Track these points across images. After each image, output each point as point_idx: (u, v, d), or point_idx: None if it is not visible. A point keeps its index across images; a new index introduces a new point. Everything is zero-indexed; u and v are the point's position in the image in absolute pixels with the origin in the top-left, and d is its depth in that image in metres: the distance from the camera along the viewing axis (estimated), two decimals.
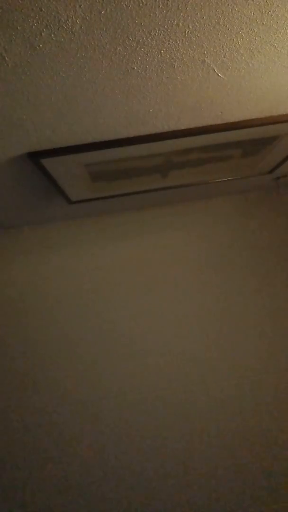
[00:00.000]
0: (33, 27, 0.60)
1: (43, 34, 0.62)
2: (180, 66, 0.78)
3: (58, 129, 0.96)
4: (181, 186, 1.58)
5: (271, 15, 0.66)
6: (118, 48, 0.69)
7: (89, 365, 1.87)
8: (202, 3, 0.61)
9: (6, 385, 1.86)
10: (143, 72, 0.77)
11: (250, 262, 1.93)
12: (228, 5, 0.63)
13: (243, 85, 0.90)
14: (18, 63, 0.68)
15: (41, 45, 0.65)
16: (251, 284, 1.92)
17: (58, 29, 0.62)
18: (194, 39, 0.70)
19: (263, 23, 0.68)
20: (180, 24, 0.65)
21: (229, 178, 1.60)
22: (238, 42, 0.73)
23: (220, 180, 1.59)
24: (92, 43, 0.66)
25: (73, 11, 0.59)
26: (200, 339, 1.88)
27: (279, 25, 0.69)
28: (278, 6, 0.65)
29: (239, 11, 0.64)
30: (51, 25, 0.61)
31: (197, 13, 0.63)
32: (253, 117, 1.08)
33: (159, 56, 0.73)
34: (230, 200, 1.97)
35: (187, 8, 0.62)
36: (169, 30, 0.66)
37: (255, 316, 1.90)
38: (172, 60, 0.75)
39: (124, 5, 0.59)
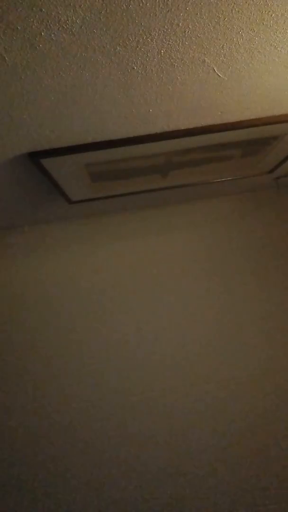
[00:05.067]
0: (33, 27, 0.60)
1: (43, 34, 0.62)
2: (180, 66, 0.78)
3: (58, 129, 0.96)
4: (181, 186, 1.58)
5: (271, 15, 0.66)
6: (118, 48, 0.69)
7: (89, 364, 1.87)
8: (202, 3, 0.61)
9: (6, 385, 1.86)
10: (143, 72, 0.77)
11: (250, 262, 1.93)
12: (228, 5, 0.63)
13: (243, 85, 0.90)
14: (18, 63, 0.68)
15: (41, 45, 0.65)
16: (251, 283, 1.92)
17: (58, 29, 0.62)
18: (194, 39, 0.70)
19: (263, 23, 0.68)
20: (180, 24, 0.65)
21: (229, 178, 1.60)
22: (238, 42, 0.73)
23: (220, 180, 1.59)
24: (92, 43, 0.66)
25: (73, 11, 0.59)
26: (200, 338, 1.88)
27: (279, 25, 0.69)
28: (278, 6, 0.65)
29: (239, 11, 0.64)
30: (51, 25, 0.61)
31: (197, 13, 0.63)
32: (253, 117, 1.08)
33: (159, 56, 0.73)
34: (230, 200, 1.97)
35: (187, 8, 0.62)
36: (169, 30, 0.66)
37: (256, 315, 1.90)
38: (172, 60, 0.75)
39: (124, 5, 0.59)
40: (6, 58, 0.66)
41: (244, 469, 1.78)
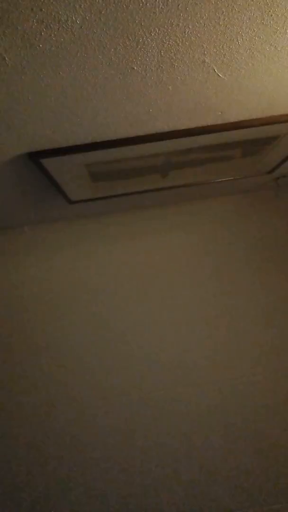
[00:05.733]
0: (33, 27, 0.60)
1: (43, 34, 0.62)
2: (180, 66, 0.78)
3: (58, 129, 0.95)
4: (181, 186, 1.58)
5: (271, 15, 0.66)
6: (118, 48, 0.69)
7: (88, 364, 1.87)
8: (202, 3, 0.61)
9: (5, 385, 1.86)
10: (143, 72, 0.77)
11: (250, 262, 1.93)
12: (228, 5, 0.63)
13: (243, 85, 0.90)
14: (18, 63, 0.68)
15: (41, 45, 0.65)
16: (252, 283, 1.92)
17: (58, 29, 0.62)
18: (194, 39, 0.70)
19: (263, 23, 0.68)
20: (180, 24, 0.65)
21: (229, 178, 1.60)
22: (238, 42, 0.73)
23: (220, 180, 1.59)
24: (92, 43, 0.66)
25: (73, 11, 0.59)
26: (199, 339, 1.88)
27: (279, 25, 0.69)
28: (278, 6, 0.65)
29: (239, 11, 0.64)
30: (51, 25, 0.61)
31: (197, 13, 0.63)
32: (253, 117, 1.08)
33: (159, 56, 0.73)
34: (230, 200, 1.97)
35: (187, 8, 0.62)
36: (169, 30, 0.66)
37: (255, 316, 1.89)
38: (172, 60, 0.75)
39: (124, 5, 0.59)
40: (6, 58, 0.66)
41: (250, 468, 1.78)
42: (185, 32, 0.67)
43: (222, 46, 0.73)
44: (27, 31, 0.61)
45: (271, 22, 0.68)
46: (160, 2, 0.60)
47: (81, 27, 0.62)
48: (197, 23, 0.65)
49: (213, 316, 1.89)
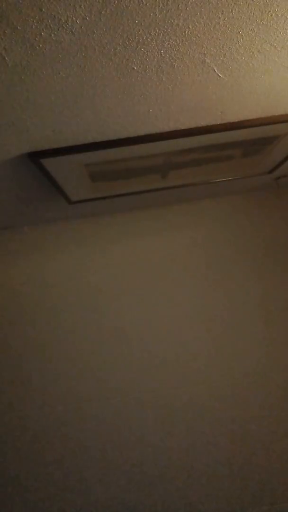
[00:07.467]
0: (33, 27, 0.60)
1: (43, 34, 0.62)
2: (180, 66, 0.78)
3: (58, 129, 0.95)
4: (181, 186, 1.58)
5: (271, 15, 0.66)
6: (118, 48, 0.69)
7: (89, 364, 1.87)
8: (202, 3, 0.61)
9: (6, 384, 1.86)
10: (143, 72, 0.77)
11: (250, 262, 1.93)
12: (228, 5, 0.63)
13: (243, 85, 0.90)
14: (18, 63, 0.68)
15: (41, 45, 0.65)
16: (251, 284, 1.92)
17: (58, 29, 0.62)
18: (194, 39, 0.70)
19: (263, 23, 0.68)
20: (180, 24, 0.65)
21: (229, 178, 1.60)
22: (238, 42, 0.73)
23: (220, 180, 1.59)
24: (92, 43, 0.66)
25: (73, 11, 0.59)
26: (201, 338, 1.88)
27: (279, 25, 0.69)
28: (278, 6, 0.65)
29: (239, 11, 0.64)
30: (51, 25, 0.61)
31: (197, 13, 0.63)
32: (253, 117, 1.08)
33: (159, 56, 0.73)
34: (230, 200, 1.97)
35: (187, 8, 0.62)
36: (169, 30, 0.66)
37: (256, 315, 1.90)
38: (172, 60, 0.75)
39: (124, 5, 0.59)
40: (6, 58, 0.66)
41: (251, 468, 1.78)
42: (185, 32, 0.67)
43: (222, 46, 0.73)
44: (27, 31, 0.61)
45: (271, 22, 0.68)
46: (160, 2, 0.60)
47: (81, 27, 0.62)
48: (197, 23, 0.65)
49: (213, 316, 1.89)
